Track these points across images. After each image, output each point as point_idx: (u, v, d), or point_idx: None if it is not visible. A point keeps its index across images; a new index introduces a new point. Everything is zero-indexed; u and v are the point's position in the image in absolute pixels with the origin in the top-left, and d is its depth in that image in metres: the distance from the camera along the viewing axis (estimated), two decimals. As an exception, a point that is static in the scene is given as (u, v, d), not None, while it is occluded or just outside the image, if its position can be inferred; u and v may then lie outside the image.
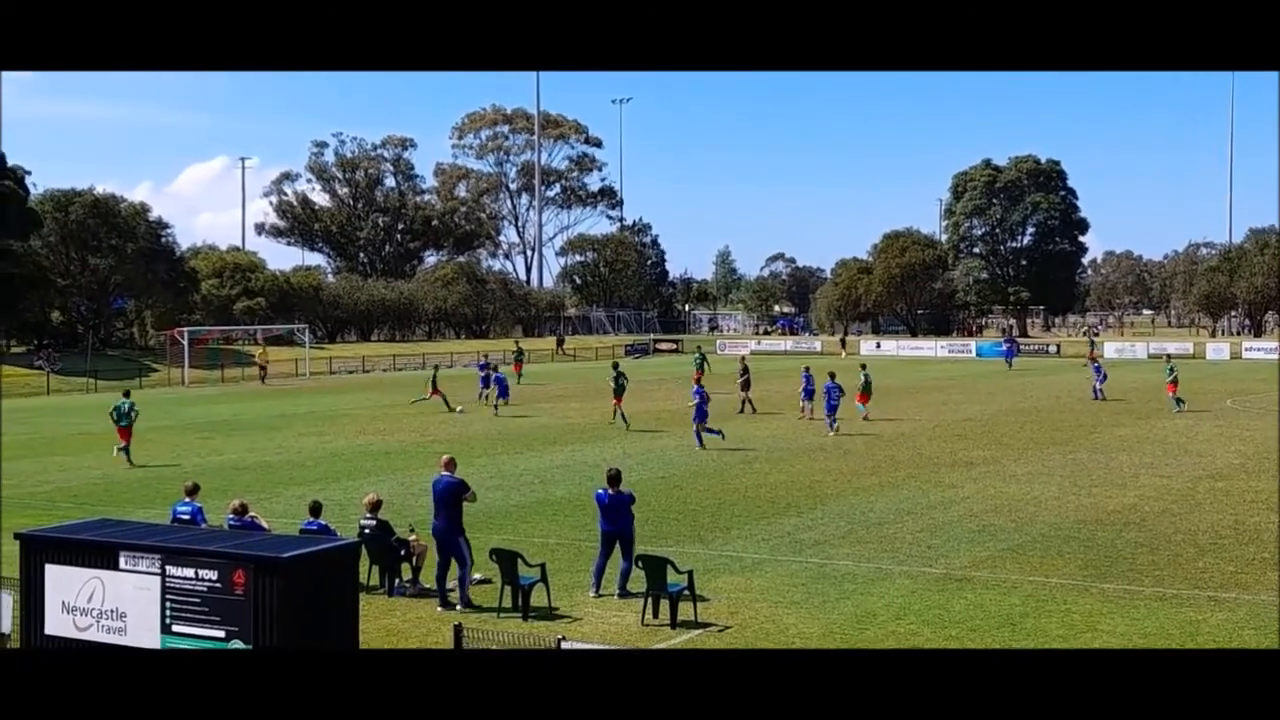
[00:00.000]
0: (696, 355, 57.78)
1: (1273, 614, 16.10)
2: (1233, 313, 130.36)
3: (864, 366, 43.97)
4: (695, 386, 35.52)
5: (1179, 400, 44.57)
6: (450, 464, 17.88)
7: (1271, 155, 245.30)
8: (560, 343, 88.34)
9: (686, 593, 16.20)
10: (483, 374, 50.21)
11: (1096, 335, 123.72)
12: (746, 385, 44.53)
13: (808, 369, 43.15)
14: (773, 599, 17.20)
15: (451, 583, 18.02)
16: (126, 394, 34.38)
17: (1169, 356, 51.55)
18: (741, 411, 43.37)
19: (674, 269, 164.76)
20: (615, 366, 42.60)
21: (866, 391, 41.18)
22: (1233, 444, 34.09)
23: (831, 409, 37.78)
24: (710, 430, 34.47)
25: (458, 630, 12.11)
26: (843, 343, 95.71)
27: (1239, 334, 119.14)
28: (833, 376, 38.97)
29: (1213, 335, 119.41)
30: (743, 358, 50.76)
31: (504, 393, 46.26)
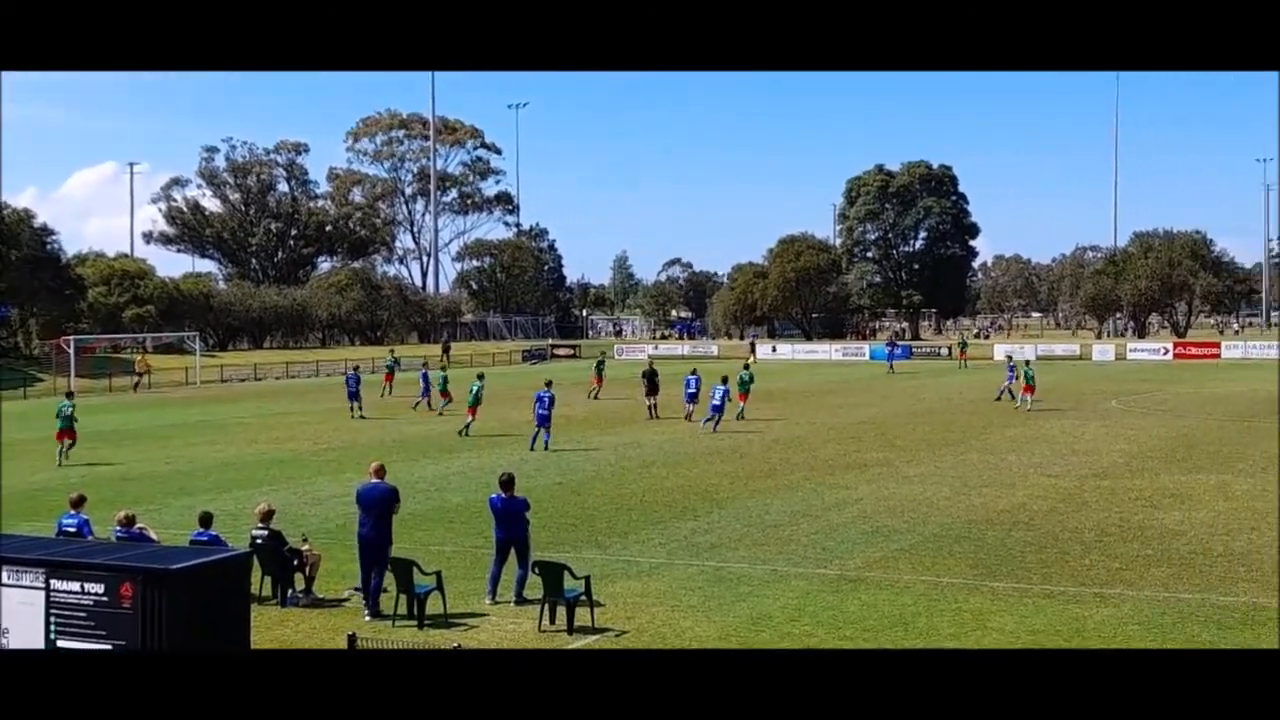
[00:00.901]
0: (598, 360, 58.21)
1: (1156, 609, 16.49)
2: (1118, 315, 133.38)
3: (747, 366, 44.92)
4: (594, 385, 35.64)
5: (1023, 398, 45.93)
6: (380, 471, 17.64)
7: (1155, 157, 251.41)
8: (446, 350, 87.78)
9: (583, 598, 16.19)
10: (423, 377, 50.71)
11: (984, 338, 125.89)
12: (654, 390, 44.67)
13: (695, 372, 44.39)
14: (669, 603, 17.25)
15: (347, 591, 17.86)
16: (69, 395, 33.86)
17: (1028, 361, 52.52)
18: (650, 417, 43.49)
19: (571, 274, 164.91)
20: (480, 377, 42.73)
21: (745, 390, 42.19)
22: (1117, 443, 34.85)
23: (716, 409, 39.02)
24: (545, 437, 34.82)
25: (352, 640, 11.99)
26: (752, 348, 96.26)
27: (1124, 335, 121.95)
28: (724, 380, 40.13)
29: (1098, 337, 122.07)
30: (651, 362, 51.08)
31: (426, 391, 48.49)
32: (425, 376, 50.99)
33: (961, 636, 15.33)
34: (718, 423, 39.15)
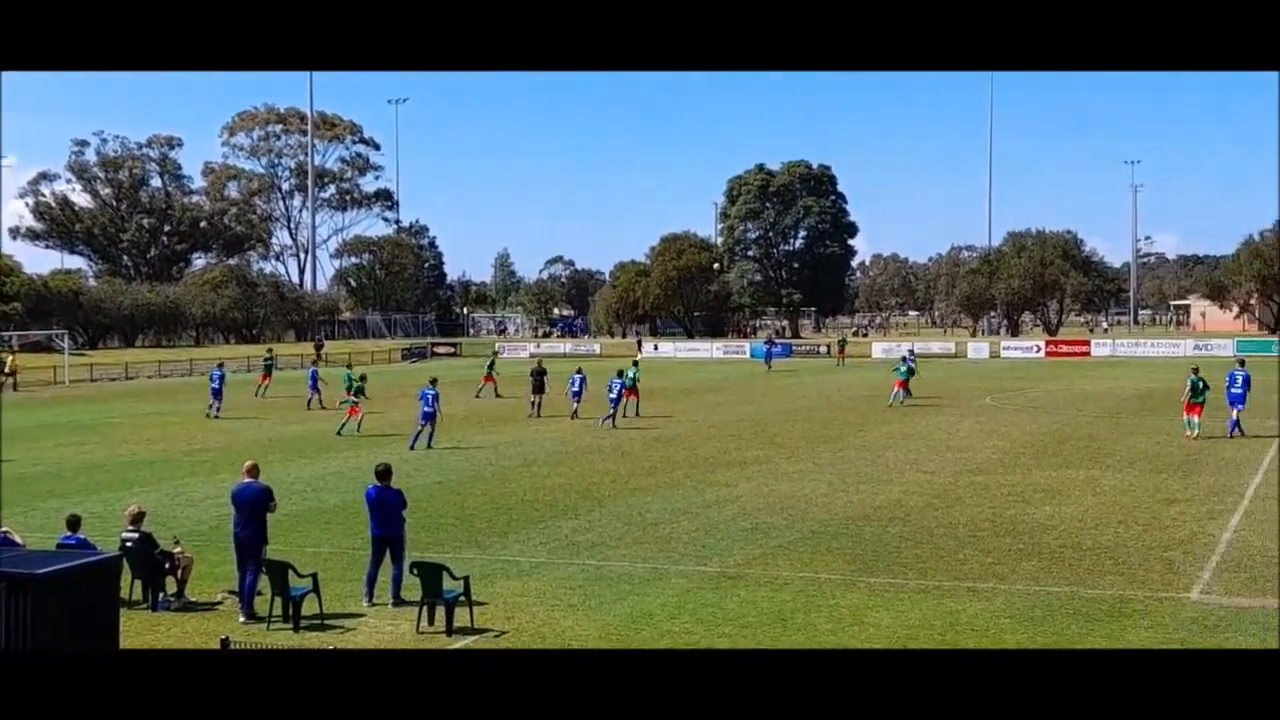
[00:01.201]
0: (490, 359, 58.16)
1: (1027, 602, 16.81)
2: (992, 313, 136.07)
3: (636, 364, 45.70)
4: (483, 384, 35.62)
5: (902, 394, 47.00)
6: (253, 470, 17.34)
7: (1028, 159, 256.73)
8: (319, 348, 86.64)
9: (463, 598, 16.06)
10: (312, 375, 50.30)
11: (862, 336, 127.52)
12: (540, 389, 44.58)
13: (580, 370, 44.86)
14: (549, 602, 17.19)
15: (220, 594, 17.52)
16: None
17: (903, 358, 53.45)
18: (533, 415, 43.39)
19: (452, 272, 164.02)
20: (362, 378, 42.38)
21: (633, 388, 42.74)
22: (991, 440, 35.52)
23: (614, 403, 39.96)
24: (429, 435, 34.82)
25: (225, 643, 11.77)
26: (638, 345, 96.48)
27: (998, 333, 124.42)
28: (620, 374, 41.25)
29: (973, 335, 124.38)
30: (539, 361, 51.13)
31: (314, 385, 48.78)
32: (314, 375, 50.39)
33: (839, 632, 15.49)
34: (614, 418, 39.62)
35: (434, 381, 36.92)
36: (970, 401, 48.84)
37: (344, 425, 38.56)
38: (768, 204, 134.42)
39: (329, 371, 54.78)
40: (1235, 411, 35.22)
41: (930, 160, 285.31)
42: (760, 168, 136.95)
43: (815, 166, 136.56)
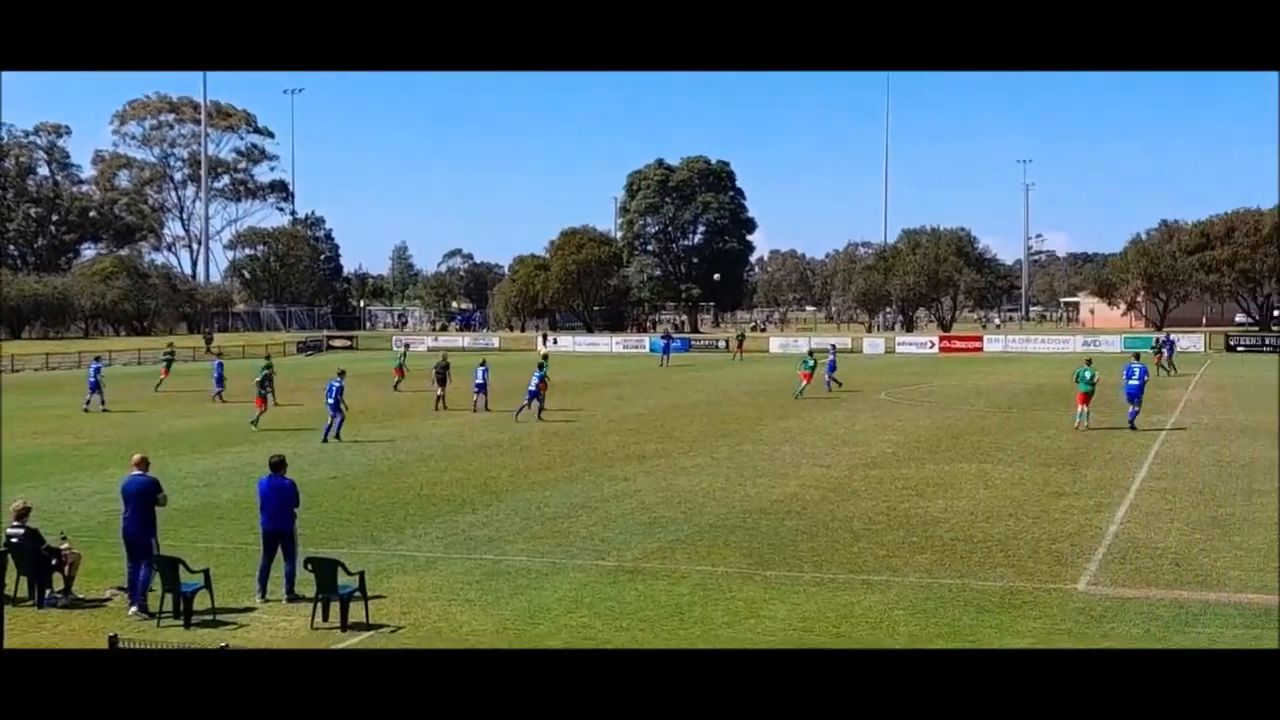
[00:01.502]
0: (401, 352, 57.95)
1: (920, 594, 17.04)
2: (888, 309, 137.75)
3: (545, 357, 46.05)
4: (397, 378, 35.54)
5: (801, 385, 48.29)
6: (142, 463, 17.08)
7: (923, 157, 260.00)
8: (209, 341, 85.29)
9: (358, 594, 15.91)
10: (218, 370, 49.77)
11: (760, 331, 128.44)
12: (443, 382, 44.48)
13: (484, 363, 45.03)
14: (446, 597, 17.09)
15: (109, 591, 17.18)
16: None
17: (811, 351, 54.55)
18: (438, 409, 43.29)
19: (349, 264, 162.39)
20: (269, 367, 42.04)
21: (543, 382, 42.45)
22: (886, 434, 35.95)
23: (532, 394, 40.14)
24: (336, 426, 34.79)
25: (113, 641, 11.53)
26: (544, 338, 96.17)
27: (893, 329, 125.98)
28: (540, 367, 41.79)
29: (869, 331, 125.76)
30: (443, 354, 51.00)
31: (219, 379, 48.45)
32: (219, 367, 49.89)
33: (735, 625, 15.58)
34: (536, 410, 39.97)
35: (341, 374, 36.65)
36: (866, 396, 49.39)
37: (257, 417, 38.01)
38: (667, 199, 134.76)
39: (237, 365, 54.05)
40: (1133, 406, 36.11)
41: (827, 158, 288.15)
42: (660, 163, 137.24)
43: (714, 162, 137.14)
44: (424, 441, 34.70)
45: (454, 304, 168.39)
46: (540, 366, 41.86)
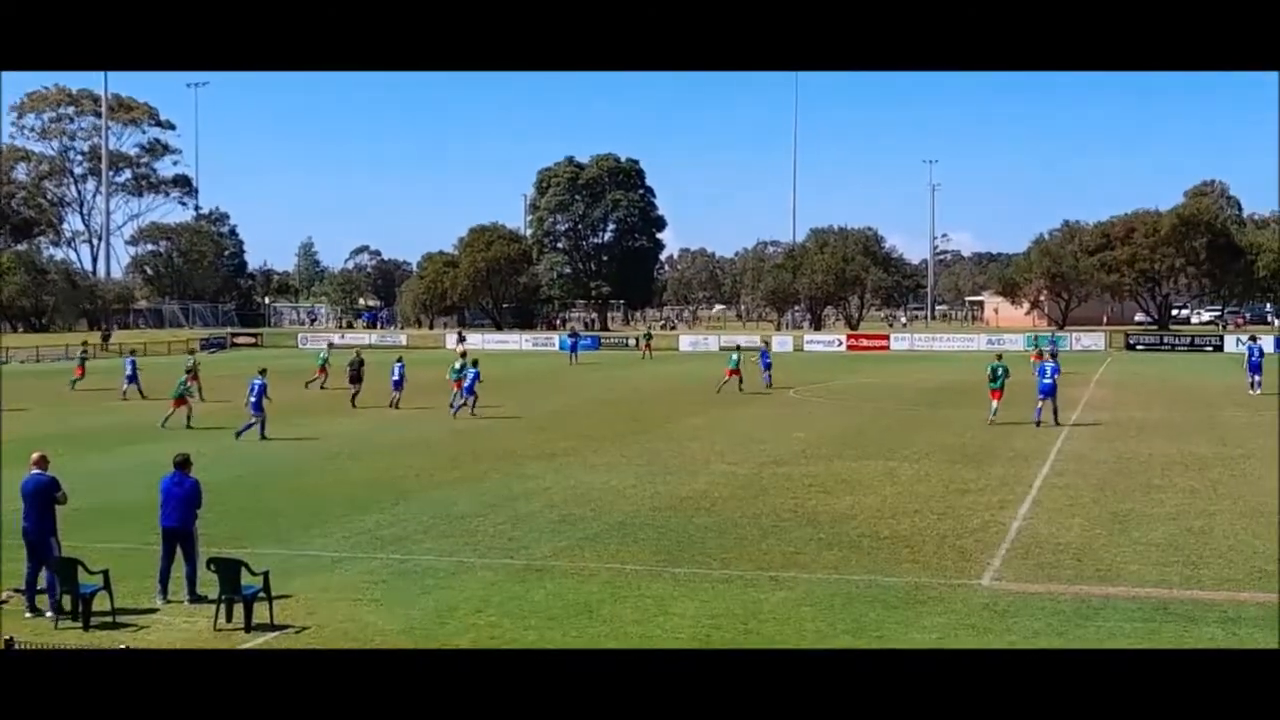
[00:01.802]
0: (324, 350, 57.64)
1: (827, 590, 17.15)
2: (796, 307, 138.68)
3: (472, 360, 46.30)
4: (318, 375, 35.47)
5: (730, 384, 49.21)
6: (41, 461, 16.74)
7: (831, 157, 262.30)
8: (106, 338, 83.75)
9: (262, 594, 15.69)
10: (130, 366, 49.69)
11: (670, 329, 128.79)
12: (358, 379, 44.49)
13: (400, 360, 45.53)
14: (352, 597, 16.91)
15: (5, 593, 16.77)
16: None
17: (739, 347, 55.37)
18: (354, 405, 43.36)
19: (254, 260, 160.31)
20: (190, 366, 41.61)
21: (459, 379, 42.98)
22: (795, 432, 36.18)
23: (468, 391, 40.53)
24: (260, 425, 34.48)
25: (9, 643, 11.26)
26: (459, 337, 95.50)
27: (801, 327, 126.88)
28: (475, 364, 41.90)
29: (778, 329, 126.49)
30: (359, 351, 50.80)
31: (133, 379, 48.34)
32: (132, 364, 49.48)
33: (644, 622, 15.58)
34: (473, 406, 40.14)
35: (263, 372, 36.30)
36: (775, 394, 49.67)
37: (185, 417, 37.28)
38: (577, 197, 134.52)
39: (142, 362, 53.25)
40: (1045, 402, 36.91)
41: (737, 157, 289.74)
42: (570, 160, 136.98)
43: (624, 160, 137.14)
44: (331, 440, 34.35)
45: (361, 301, 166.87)
46: (475, 364, 41.74)
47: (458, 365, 43.69)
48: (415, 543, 20.55)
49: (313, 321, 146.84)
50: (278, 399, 46.85)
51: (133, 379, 48.23)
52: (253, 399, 34.70)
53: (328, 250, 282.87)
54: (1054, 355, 39.42)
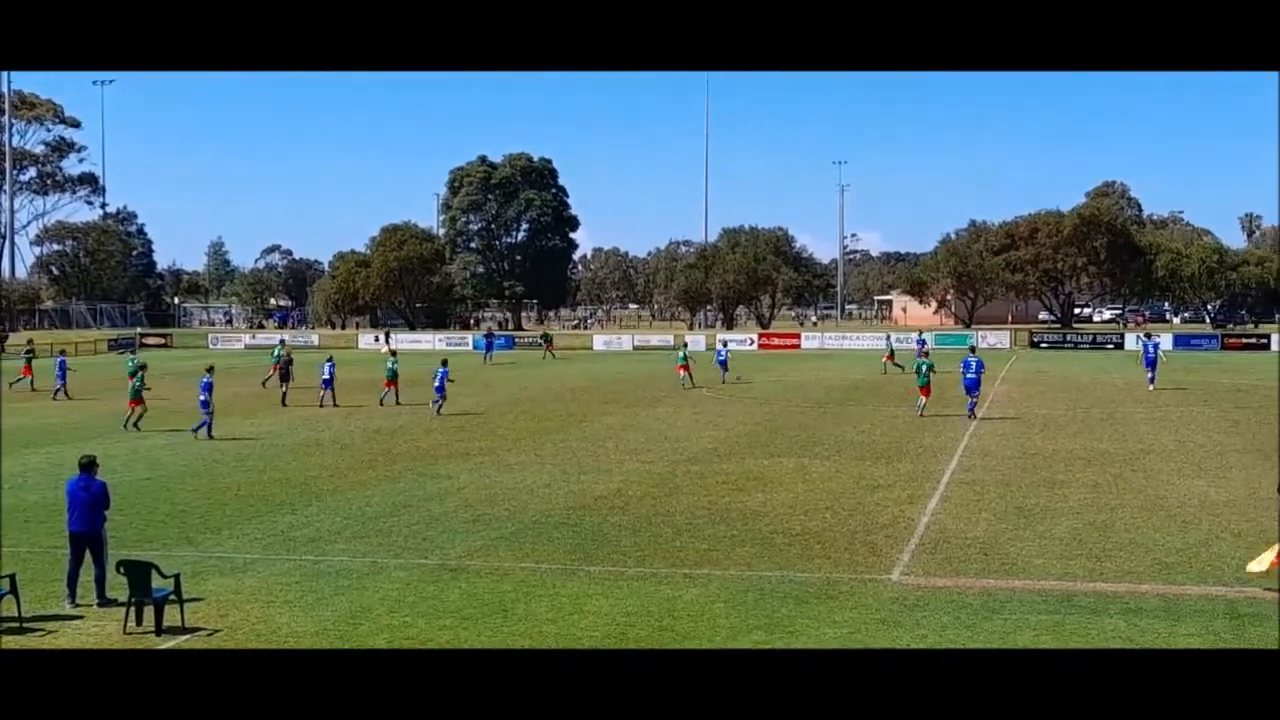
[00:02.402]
0: (278, 348, 57.27)
1: (741, 587, 17.34)
2: (708, 307, 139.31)
3: (394, 353, 47.64)
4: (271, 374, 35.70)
5: (689, 378, 52.06)
6: None
7: (742, 157, 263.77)
8: (2, 339, 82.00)
9: (173, 597, 15.56)
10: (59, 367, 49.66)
11: (583, 328, 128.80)
12: (287, 377, 45.17)
13: (331, 359, 46.31)
14: (265, 599, 16.82)
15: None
16: None
17: (686, 343, 58.06)
18: (284, 404, 43.82)
19: (163, 260, 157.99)
20: (141, 367, 41.39)
21: (392, 379, 45.22)
22: (707, 430, 36.42)
23: (439, 389, 41.64)
24: (207, 424, 34.61)
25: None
26: (387, 337, 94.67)
27: (714, 327, 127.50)
28: (445, 363, 43.27)
29: (690, 328, 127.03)
30: (289, 350, 51.20)
31: (62, 375, 48.50)
32: (62, 364, 49.49)
33: (559, 621, 15.66)
34: (439, 406, 41.29)
35: (210, 370, 36.53)
36: (687, 393, 49.91)
37: (135, 418, 36.73)
38: (490, 196, 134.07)
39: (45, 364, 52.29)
40: (971, 397, 38.63)
41: (649, 156, 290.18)
42: (482, 159, 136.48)
43: (537, 159, 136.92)
44: (243, 441, 34.02)
45: (273, 301, 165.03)
46: (444, 363, 42.87)
47: (390, 364, 45.24)
48: (328, 543, 20.46)
49: (228, 322, 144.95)
50: (182, 399, 46.43)
51: (62, 379, 48.55)
52: (203, 398, 34.91)
53: (238, 249, 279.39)
54: (973, 350, 40.77)
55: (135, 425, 36.40)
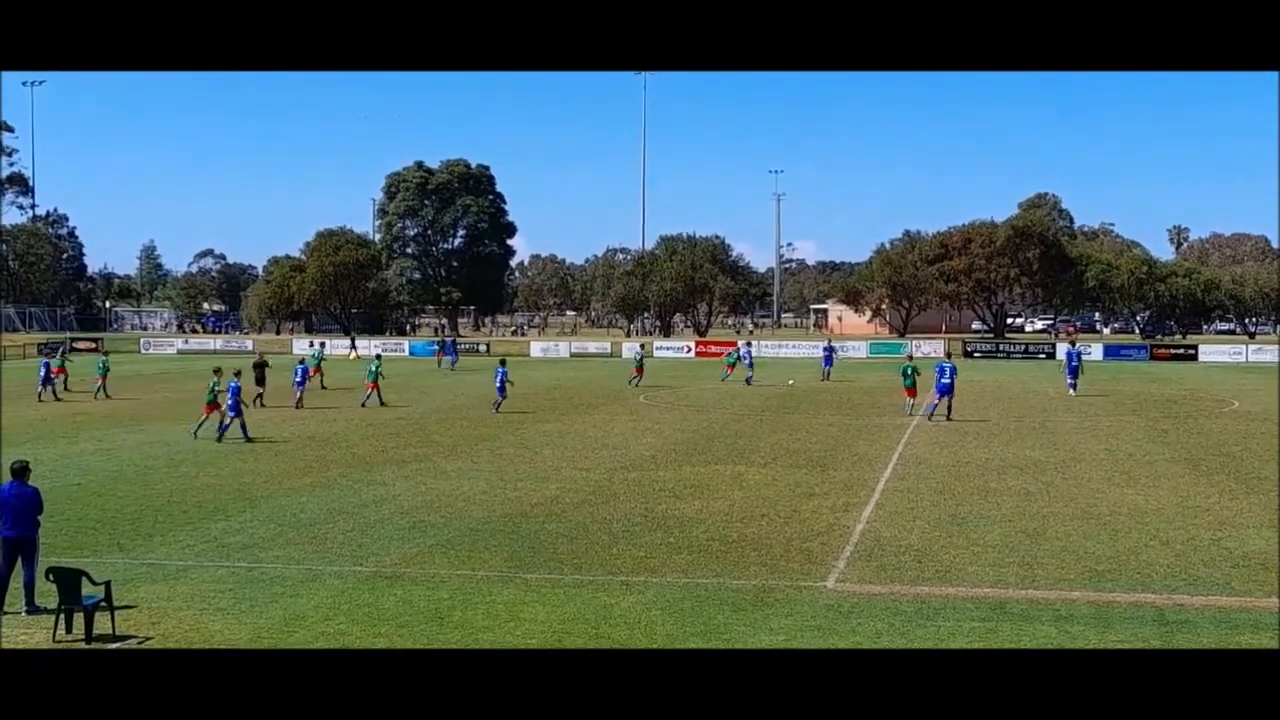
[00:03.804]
0: (316, 350, 57.58)
1: (677, 594, 17.38)
2: (645, 314, 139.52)
3: (378, 358, 50.03)
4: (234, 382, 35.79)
5: (634, 380, 55.51)
6: None
7: (679, 165, 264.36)
8: None
9: (103, 604, 15.37)
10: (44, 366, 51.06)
11: (519, 335, 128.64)
12: (262, 381, 45.85)
13: (303, 361, 48.70)
14: (198, 606, 16.65)
15: None
16: None
17: (643, 345, 60.19)
18: (260, 404, 44.32)
19: (94, 263, 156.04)
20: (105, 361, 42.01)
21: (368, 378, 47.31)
22: (644, 437, 36.48)
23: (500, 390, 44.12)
24: (240, 426, 34.72)
25: None
26: (353, 343, 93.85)
27: (651, 334, 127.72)
28: (504, 363, 46.07)
29: (628, 335, 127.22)
30: (261, 354, 53.58)
31: (48, 380, 49.58)
32: (46, 366, 50.58)
33: (495, 628, 15.62)
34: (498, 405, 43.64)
35: (238, 374, 36.79)
36: (625, 400, 49.97)
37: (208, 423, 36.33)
38: (427, 202, 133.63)
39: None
40: (942, 400, 40.65)
41: (587, 163, 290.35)
42: (419, 165, 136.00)
43: (474, 166, 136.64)
44: (175, 446, 33.65)
45: (206, 306, 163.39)
46: (502, 363, 46.62)
47: (373, 367, 47.85)
48: (263, 550, 20.29)
49: (164, 326, 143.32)
50: (110, 407, 45.90)
51: (46, 380, 49.29)
52: (230, 400, 34.91)
53: (171, 253, 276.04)
54: (948, 356, 42.80)
55: (220, 436, 35.10)
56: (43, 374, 49.95)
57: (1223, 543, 20.91)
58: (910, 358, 45.58)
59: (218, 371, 36.76)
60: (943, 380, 40.59)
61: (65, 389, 51.40)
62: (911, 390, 42.44)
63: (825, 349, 67.30)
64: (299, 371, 45.96)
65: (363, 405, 45.74)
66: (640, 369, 57.86)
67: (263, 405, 44.06)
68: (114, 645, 14.90)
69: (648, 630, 15.57)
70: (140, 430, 37.80)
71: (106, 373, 50.67)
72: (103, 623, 15.28)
